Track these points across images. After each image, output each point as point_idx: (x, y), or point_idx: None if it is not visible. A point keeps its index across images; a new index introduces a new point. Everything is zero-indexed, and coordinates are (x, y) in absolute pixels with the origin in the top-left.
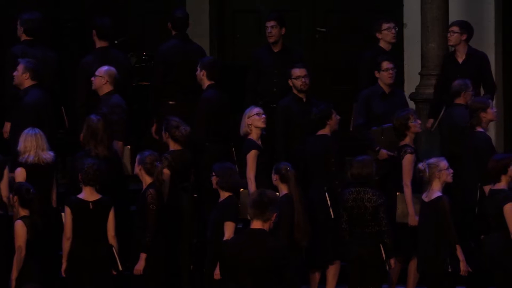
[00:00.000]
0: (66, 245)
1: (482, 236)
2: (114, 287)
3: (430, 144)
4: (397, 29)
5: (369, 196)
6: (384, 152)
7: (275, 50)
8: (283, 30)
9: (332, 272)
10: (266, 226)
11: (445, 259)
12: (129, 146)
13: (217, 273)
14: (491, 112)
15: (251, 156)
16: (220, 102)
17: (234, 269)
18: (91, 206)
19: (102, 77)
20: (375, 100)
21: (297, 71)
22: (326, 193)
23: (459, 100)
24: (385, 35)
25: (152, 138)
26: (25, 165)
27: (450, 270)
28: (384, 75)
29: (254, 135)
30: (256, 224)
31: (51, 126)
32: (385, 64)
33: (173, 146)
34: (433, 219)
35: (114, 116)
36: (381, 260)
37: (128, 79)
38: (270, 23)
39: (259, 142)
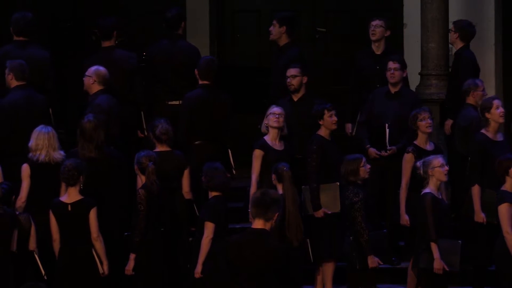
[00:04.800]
0: (54, 246)
1: None
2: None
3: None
4: (378, 25)
5: (347, 194)
6: (372, 151)
7: (278, 49)
8: (283, 29)
9: (324, 271)
10: (267, 226)
11: (418, 255)
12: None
13: (197, 272)
14: (496, 113)
15: (254, 156)
16: (205, 101)
17: (234, 269)
18: (69, 208)
19: (91, 77)
20: (379, 99)
21: (288, 71)
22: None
23: (469, 100)
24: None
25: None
26: (34, 163)
27: (420, 266)
28: (387, 75)
29: (269, 135)
30: (258, 224)
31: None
32: (388, 64)
33: (158, 146)
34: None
35: None
36: (351, 258)
37: (132, 79)
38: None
39: (275, 142)
